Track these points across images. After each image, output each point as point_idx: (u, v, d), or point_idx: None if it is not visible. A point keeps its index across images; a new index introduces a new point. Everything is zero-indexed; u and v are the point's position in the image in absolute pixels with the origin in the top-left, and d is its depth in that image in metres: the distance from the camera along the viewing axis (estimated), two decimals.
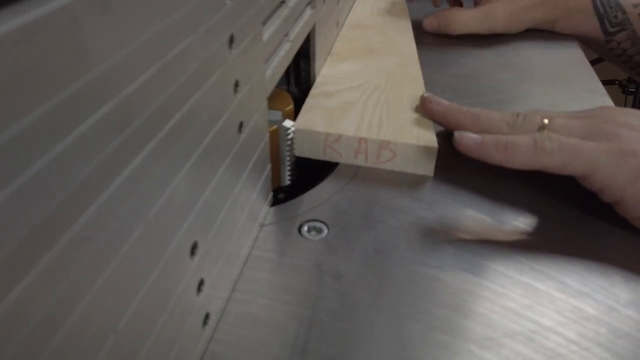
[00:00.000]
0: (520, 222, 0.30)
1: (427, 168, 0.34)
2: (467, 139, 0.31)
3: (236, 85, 0.22)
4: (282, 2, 0.30)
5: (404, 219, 0.30)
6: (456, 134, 0.31)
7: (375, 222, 0.30)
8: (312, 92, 0.40)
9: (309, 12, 0.37)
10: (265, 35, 0.26)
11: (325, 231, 0.29)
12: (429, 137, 0.34)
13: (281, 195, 0.34)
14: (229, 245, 0.24)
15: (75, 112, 0.12)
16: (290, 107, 0.37)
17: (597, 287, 0.26)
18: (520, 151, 0.29)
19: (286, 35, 0.32)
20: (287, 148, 0.35)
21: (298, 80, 0.42)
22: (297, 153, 0.36)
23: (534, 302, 0.25)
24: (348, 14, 0.56)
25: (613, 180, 0.28)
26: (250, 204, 0.27)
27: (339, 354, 0.22)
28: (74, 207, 0.12)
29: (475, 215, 0.31)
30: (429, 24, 0.56)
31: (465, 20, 0.54)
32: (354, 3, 0.59)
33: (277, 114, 0.35)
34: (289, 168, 0.36)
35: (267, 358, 0.22)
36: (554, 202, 0.32)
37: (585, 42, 0.56)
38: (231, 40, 0.21)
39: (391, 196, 0.32)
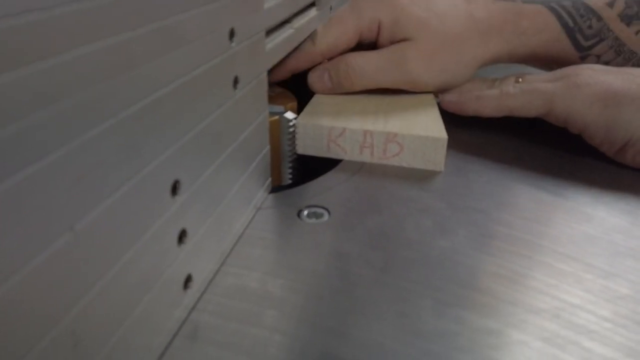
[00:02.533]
0: (535, 207, 0.28)
1: (437, 162, 0.32)
2: (448, 96, 0.36)
3: (231, 35, 0.21)
4: None
5: (412, 206, 0.28)
6: (440, 95, 0.36)
7: (382, 208, 0.28)
8: (315, 97, 0.39)
9: (314, 12, 0.37)
10: (267, 4, 0.26)
11: (327, 216, 0.27)
12: (437, 128, 0.32)
13: None
14: (219, 206, 0.22)
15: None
16: (294, 103, 0.36)
17: (628, 267, 0.23)
18: (488, 99, 0.34)
19: (289, 22, 0.32)
20: (289, 142, 0.33)
21: (305, 83, 0.41)
22: (300, 150, 0.34)
23: (559, 281, 0.22)
24: None
25: (572, 109, 0.31)
26: (242, 181, 0.25)
27: (339, 324, 0.20)
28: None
29: (487, 203, 0.28)
30: (318, 80, 0.38)
31: (367, 72, 0.36)
32: None
33: (279, 108, 0.34)
34: (290, 165, 0.34)
35: (259, 328, 0.19)
36: (569, 188, 0.30)
37: (552, 65, 0.40)
38: None
39: (399, 186, 0.30)
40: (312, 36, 0.36)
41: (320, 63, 0.38)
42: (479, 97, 0.35)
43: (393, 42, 0.36)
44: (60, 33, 0.11)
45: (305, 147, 0.34)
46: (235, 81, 0.22)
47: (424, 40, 0.36)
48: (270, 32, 0.28)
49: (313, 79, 0.38)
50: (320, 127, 0.33)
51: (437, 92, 0.38)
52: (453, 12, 0.37)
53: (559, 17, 0.38)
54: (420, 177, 0.31)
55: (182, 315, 0.20)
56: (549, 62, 0.40)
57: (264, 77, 0.26)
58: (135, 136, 0.15)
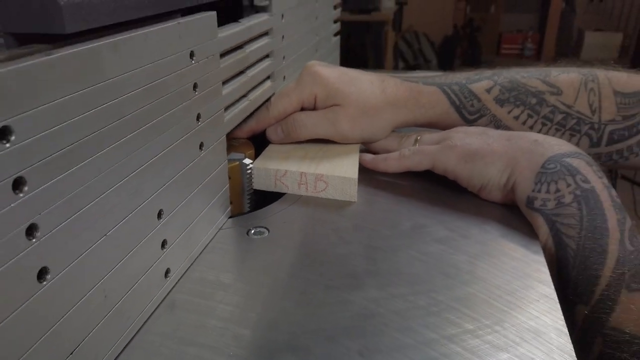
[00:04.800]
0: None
1: (351, 195, 0.45)
2: (365, 157, 0.49)
3: (198, 117, 0.34)
4: (241, 72, 0.43)
5: (328, 226, 0.40)
6: (360, 156, 0.48)
7: (306, 228, 0.40)
8: (269, 146, 0.51)
9: (268, 84, 0.50)
10: (225, 91, 0.38)
11: (267, 234, 0.39)
12: (352, 171, 0.45)
13: None
14: (190, 225, 0.34)
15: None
16: (251, 151, 0.48)
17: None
18: (392, 161, 0.47)
19: (245, 96, 0.44)
20: (247, 181, 0.46)
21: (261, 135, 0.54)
22: (255, 186, 0.47)
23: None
24: None
25: (447, 165, 0.44)
26: (208, 209, 0.37)
27: (270, 297, 0.32)
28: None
29: (378, 224, 0.41)
30: (274, 133, 0.50)
31: (308, 125, 0.49)
32: None
33: (240, 155, 0.47)
34: (248, 199, 0.47)
35: (213, 302, 0.31)
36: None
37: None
38: (195, 86, 0.33)
39: (322, 212, 0.42)
40: (266, 105, 0.49)
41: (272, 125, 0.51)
42: (385, 158, 0.47)
43: (327, 107, 0.49)
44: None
45: (259, 184, 0.46)
46: (201, 146, 0.35)
47: (349, 107, 0.48)
48: (228, 107, 0.40)
49: (269, 133, 0.51)
50: (269, 169, 0.46)
51: (362, 144, 0.52)
52: (370, 89, 0.49)
53: (448, 97, 0.50)
54: (338, 206, 0.44)
55: (163, 295, 0.31)
56: (445, 128, 0.50)
57: (223, 140, 0.39)
58: (140, 183, 0.27)
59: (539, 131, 0.49)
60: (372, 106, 0.49)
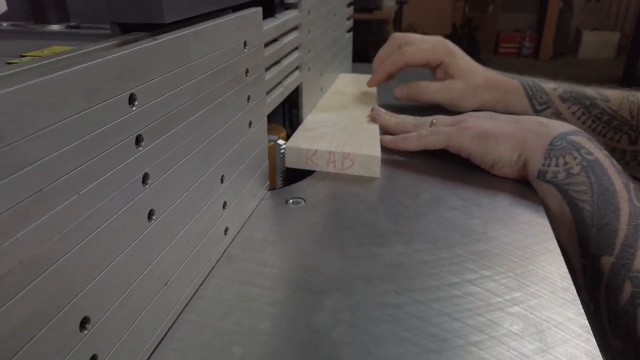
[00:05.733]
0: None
1: (375, 171, 0.50)
2: (385, 138, 0.55)
3: (248, 99, 0.39)
4: (277, 62, 0.48)
5: (355, 198, 0.46)
6: (381, 138, 0.54)
7: (337, 199, 0.45)
8: (299, 128, 0.57)
9: (297, 73, 0.55)
10: (267, 77, 0.44)
11: (303, 203, 0.45)
12: (375, 150, 0.50)
13: None
14: (240, 194, 0.39)
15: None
16: (284, 134, 0.53)
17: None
18: (411, 139, 0.53)
19: (280, 83, 0.50)
20: (280, 160, 0.51)
21: (291, 122, 0.59)
22: (287, 164, 0.52)
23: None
24: (332, 85, 0.75)
25: (461, 144, 0.49)
26: (252, 181, 0.42)
27: (307, 255, 0.37)
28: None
29: (400, 195, 0.46)
30: (400, 92, 0.67)
31: (429, 91, 0.65)
32: (336, 78, 0.79)
33: (274, 137, 0.52)
34: (281, 176, 0.52)
35: (264, 254, 0.37)
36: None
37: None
38: (247, 72, 0.38)
39: (349, 186, 0.48)
40: (398, 51, 0.66)
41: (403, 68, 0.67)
42: (405, 138, 0.53)
43: (446, 74, 0.66)
44: None
45: (291, 162, 0.52)
46: (250, 124, 0.40)
47: (462, 81, 0.64)
48: (269, 91, 0.46)
49: (396, 91, 0.67)
50: (301, 149, 0.51)
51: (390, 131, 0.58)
52: (478, 70, 0.66)
53: (525, 89, 0.64)
54: (364, 181, 0.49)
55: (223, 249, 0.37)
56: (519, 114, 0.57)
57: (265, 120, 0.44)
58: (209, 151, 0.32)
59: (589, 127, 0.61)
60: (476, 84, 0.65)
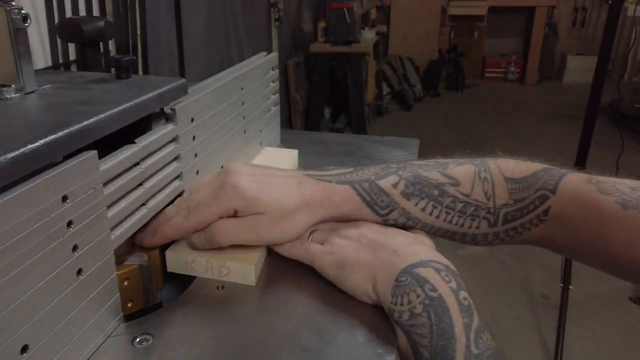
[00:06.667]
0: None
1: (251, 280, 0.50)
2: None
3: (74, 249, 0.38)
4: (140, 185, 0.47)
5: (208, 333, 0.44)
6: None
7: (192, 331, 0.44)
8: None
9: (177, 183, 0.54)
10: (111, 213, 0.42)
11: (151, 341, 0.43)
12: (252, 258, 0.51)
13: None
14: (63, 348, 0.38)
15: None
16: (155, 251, 0.52)
17: None
18: (286, 249, 0.53)
19: (144, 204, 0.49)
20: (148, 282, 0.50)
21: None
22: (169, 269, 0.52)
23: None
24: None
25: (321, 269, 0.50)
26: (94, 319, 0.41)
27: None
28: None
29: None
30: (196, 239, 0.51)
31: (229, 230, 0.50)
32: (252, 159, 0.78)
33: (142, 257, 0.51)
34: (150, 297, 0.50)
35: None
36: None
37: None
38: (69, 223, 0.37)
39: (211, 311, 0.46)
40: (185, 214, 0.51)
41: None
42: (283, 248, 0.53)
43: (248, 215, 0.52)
44: None
45: (173, 267, 0.52)
46: (79, 272, 0.39)
47: (270, 214, 0.51)
48: (119, 224, 0.44)
49: (193, 238, 0.53)
50: (180, 256, 0.51)
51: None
52: (288, 194, 0.52)
53: (359, 194, 0.53)
54: (235, 296, 0.48)
55: None
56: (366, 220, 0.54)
57: (109, 256, 0.43)
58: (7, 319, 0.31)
59: (445, 220, 0.53)
60: (290, 210, 0.51)
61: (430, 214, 0.53)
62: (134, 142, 0.47)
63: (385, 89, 4.88)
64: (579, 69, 5.56)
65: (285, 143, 0.91)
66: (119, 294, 0.45)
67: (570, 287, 1.74)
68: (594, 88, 1.68)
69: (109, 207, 0.42)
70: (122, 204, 0.45)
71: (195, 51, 1.94)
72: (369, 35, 3.61)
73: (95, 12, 1.25)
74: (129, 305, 0.49)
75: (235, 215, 0.51)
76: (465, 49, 5.60)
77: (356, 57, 3.22)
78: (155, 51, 1.63)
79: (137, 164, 0.47)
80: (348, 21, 3.11)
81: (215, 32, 2.20)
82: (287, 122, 3.29)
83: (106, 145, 0.43)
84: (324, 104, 3.63)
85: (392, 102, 4.91)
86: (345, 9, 3.07)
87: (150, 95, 0.48)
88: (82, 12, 1.10)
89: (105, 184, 0.42)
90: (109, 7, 1.28)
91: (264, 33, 2.85)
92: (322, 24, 3.39)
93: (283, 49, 3.14)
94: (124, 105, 0.44)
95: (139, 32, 1.43)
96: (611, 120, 3.87)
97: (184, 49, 1.72)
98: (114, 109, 0.43)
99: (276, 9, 2.89)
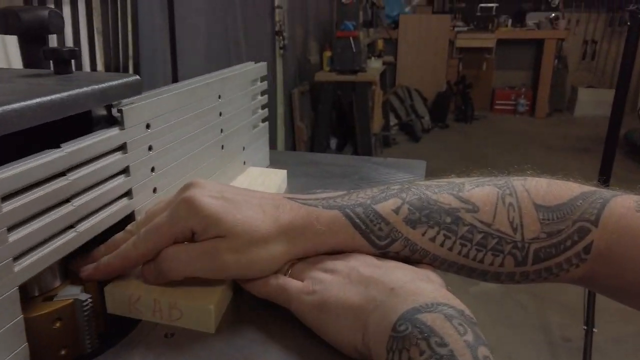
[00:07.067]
0: None
1: (209, 325, 0.39)
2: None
3: None
4: (67, 201, 0.37)
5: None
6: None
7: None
8: None
9: (123, 202, 0.43)
10: (14, 237, 0.32)
11: None
12: (209, 299, 0.39)
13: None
14: None
15: None
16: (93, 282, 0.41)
17: None
18: (252, 285, 0.42)
19: (73, 227, 0.38)
20: (86, 319, 0.39)
21: None
22: (109, 310, 0.41)
23: None
24: None
25: (297, 312, 0.39)
26: None
27: None
28: None
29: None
30: (147, 272, 0.41)
31: (181, 258, 0.40)
32: (232, 180, 0.67)
33: (76, 289, 0.40)
34: (88, 339, 0.39)
35: None
36: None
37: None
38: None
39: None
40: (134, 241, 0.41)
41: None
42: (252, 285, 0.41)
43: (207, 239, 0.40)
44: None
45: (114, 308, 0.41)
46: None
47: (233, 239, 0.39)
48: (32, 250, 0.34)
49: (143, 270, 0.42)
50: (123, 293, 0.40)
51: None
52: (259, 216, 0.40)
53: (352, 221, 0.41)
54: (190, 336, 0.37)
55: None
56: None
57: (13, 293, 0.32)
58: None
59: (459, 252, 0.41)
60: (262, 236, 0.40)
61: (442, 245, 0.41)
62: (59, 147, 0.37)
63: (393, 120, 4.81)
64: (591, 101, 5.48)
65: (275, 164, 0.80)
66: (26, 343, 0.34)
67: (595, 329, 1.59)
68: (612, 121, 1.57)
69: (10, 229, 0.32)
70: (35, 225, 0.34)
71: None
72: (375, 65, 3.57)
73: (83, 25, 1.18)
74: (62, 353, 0.38)
75: (192, 239, 0.41)
76: (474, 81, 5.56)
77: (362, 86, 3.16)
78: (149, 68, 1.56)
79: (63, 174, 0.37)
80: (354, 50, 3.06)
81: (218, 60, 2.15)
82: (291, 151, 3.22)
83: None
84: (330, 134, 3.56)
85: (399, 134, 4.83)
86: (351, 38, 3.03)
87: (83, 90, 0.38)
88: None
89: (4, 198, 0.31)
90: (97, 22, 1.22)
91: (268, 61, 2.80)
92: (327, 53, 3.35)
93: (288, 78, 3.09)
94: (40, 99, 0.34)
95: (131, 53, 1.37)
96: (627, 153, 3.76)
97: (178, 79, 1.65)
98: (24, 102, 0.33)
99: (281, 37, 2.85)
